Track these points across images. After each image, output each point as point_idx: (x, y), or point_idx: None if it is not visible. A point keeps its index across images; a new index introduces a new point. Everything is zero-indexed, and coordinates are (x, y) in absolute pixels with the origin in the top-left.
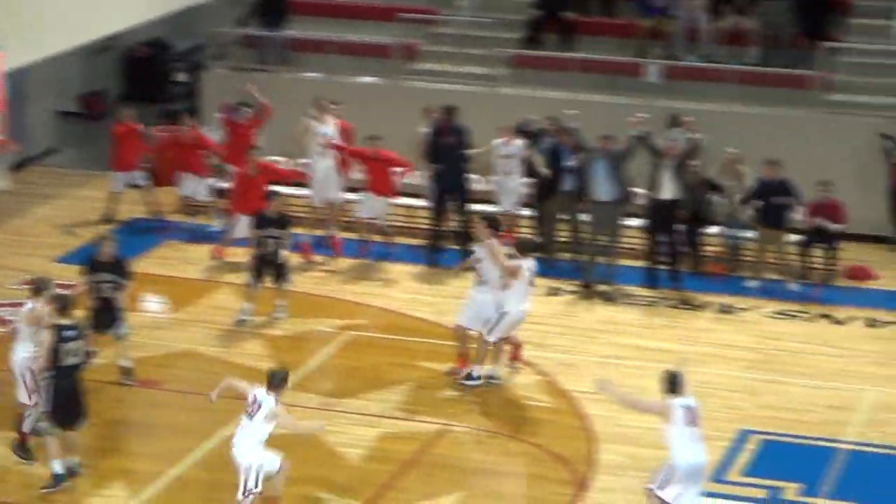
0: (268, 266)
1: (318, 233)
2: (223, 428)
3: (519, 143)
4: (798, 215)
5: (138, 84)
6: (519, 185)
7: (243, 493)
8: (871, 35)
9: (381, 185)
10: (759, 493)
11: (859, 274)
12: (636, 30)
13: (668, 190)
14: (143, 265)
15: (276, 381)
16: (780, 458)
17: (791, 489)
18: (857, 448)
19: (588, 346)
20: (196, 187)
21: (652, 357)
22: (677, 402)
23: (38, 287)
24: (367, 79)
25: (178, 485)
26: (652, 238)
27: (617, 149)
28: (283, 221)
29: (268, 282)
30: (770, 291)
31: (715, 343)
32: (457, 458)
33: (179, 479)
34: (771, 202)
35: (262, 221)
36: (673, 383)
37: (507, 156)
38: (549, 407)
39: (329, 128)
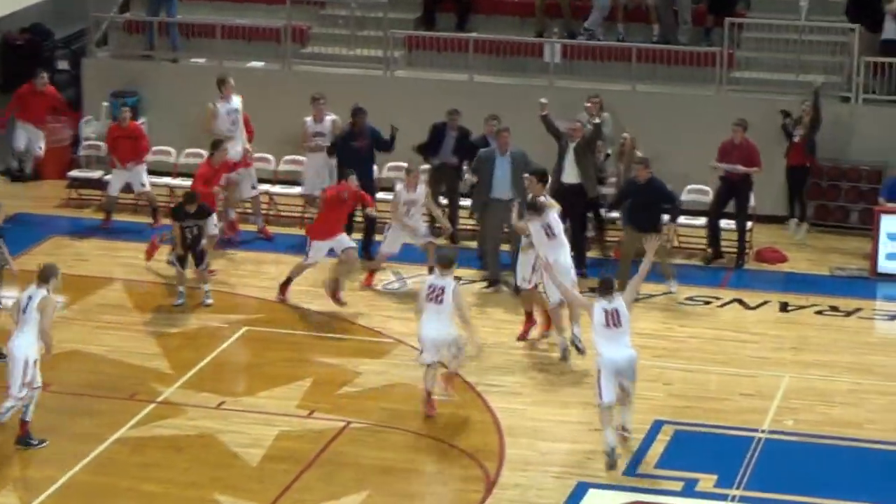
0: (190, 252)
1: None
2: (115, 431)
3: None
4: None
5: (16, 72)
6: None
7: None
8: (777, 10)
9: None
10: (675, 486)
11: (770, 256)
12: (535, 8)
13: (571, 174)
14: (27, 261)
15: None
16: (696, 448)
17: (707, 480)
18: (775, 437)
19: (495, 338)
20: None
21: (554, 349)
22: (600, 303)
23: (46, 274)
24: (257, 64)
25: (69, 491)
26: None
27: (518, 151)
28: (202, 212)
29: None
30: (680, 277)
31: None
32: (359, 455)
33: (71, 485)
34: (638, 203)
35: (181, 215)
36: (602, 286)
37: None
38: (455, 401)
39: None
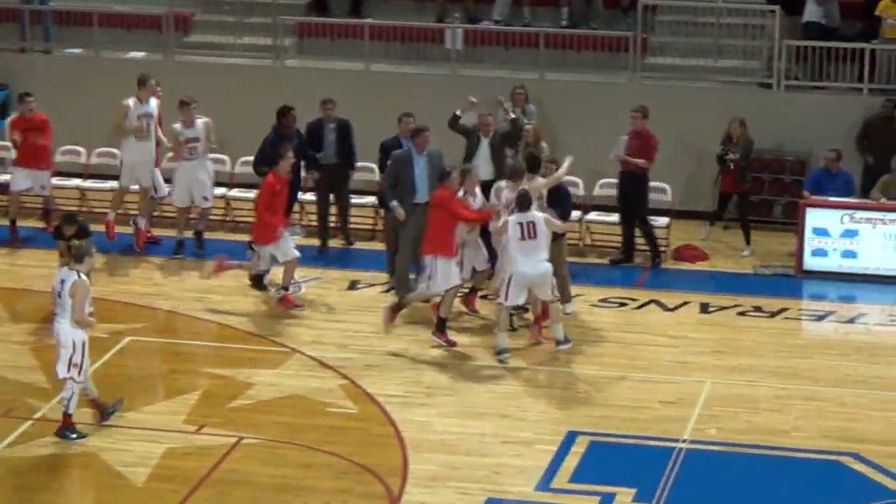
0: None
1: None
2: None
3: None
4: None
5: None
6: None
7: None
8: None
9: None
10: (591, 501)
11: (689, 254)
12: None
13: (486, 171)
14: None
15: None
16: (612, 460)
17: (625, 495)
18: (696, 447)
19: (394, 344)
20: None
21: (462, 355)
22: (514, 217)
23: (79, 254)
24: (137, 54)
25: None
26: None
27: (433, 150)
28: (81, 235)
29: None
30: (592, 277)
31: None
32: (253, 473)
33: None
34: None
35: (60, 236)
36: (519, 200)
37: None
38: (354, 414)
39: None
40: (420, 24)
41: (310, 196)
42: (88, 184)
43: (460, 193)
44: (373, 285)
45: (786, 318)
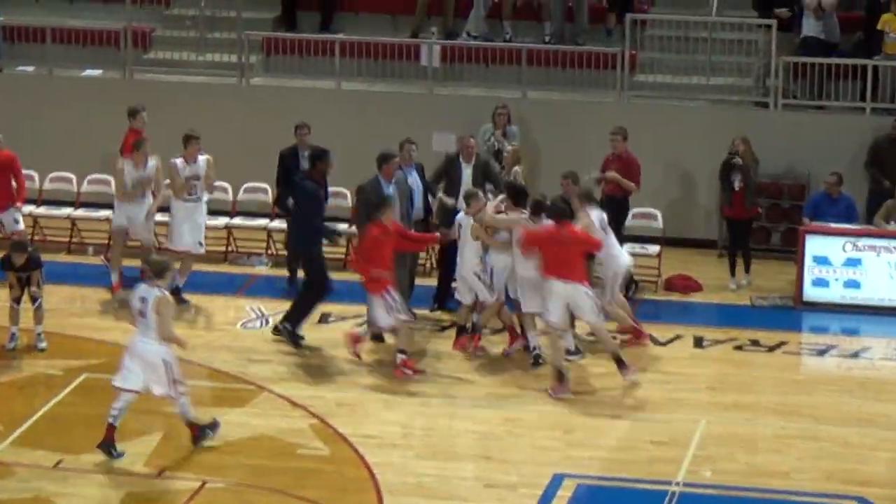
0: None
1: None
2: None
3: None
4: None
5: None
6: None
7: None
8: (683, 5)
9: None
10: None
11: (681, 285)
12: (416, 5)
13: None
14: None
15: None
16: None
17: None
18: (691, 490)
19: (367, 381)
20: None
21: (441, 392)
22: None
23: (159, 270)
24: (93, 72)
25: None
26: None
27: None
28: (32, 266)
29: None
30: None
31: (519, 372)
32: None
33: None
34: None
35: (8, 265)
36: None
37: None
38: (326, 455)
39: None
40: (394, 39)
41: (278, 224)
42: (42, 210)
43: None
44: (344, 318)
45: (785, 352)
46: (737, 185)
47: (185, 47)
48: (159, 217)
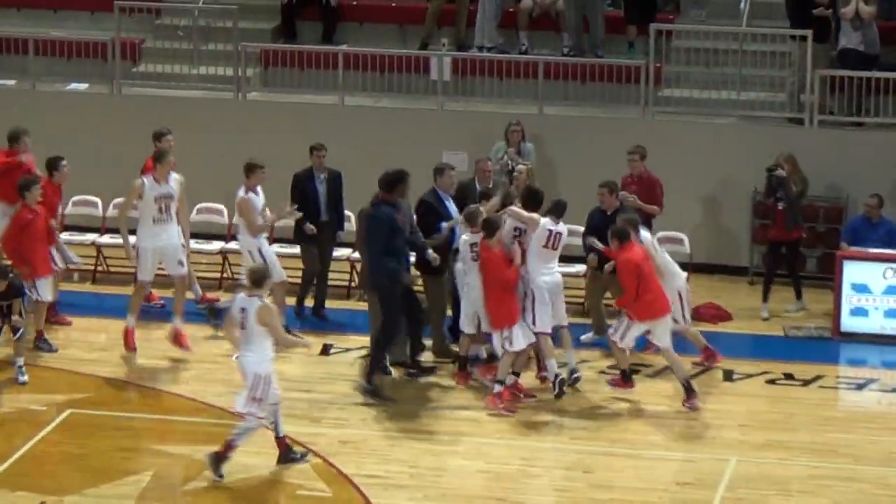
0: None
1: None
2: None
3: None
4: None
5: None
6: None
7: None
8: (713, 15)
9: None
10: None
11: (709, 314)
12: (425, 14)
13: None
14: None
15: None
16: None
17: None
18: None
19: (375, 415)
20: None
21: (451, 429)
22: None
23: (258, 279)
24: (79, 86)
25: None
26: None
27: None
28: (12, 293)
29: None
30: (598, 341)
31: (532, 406)
32: None
33: None
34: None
35: None
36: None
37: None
38: (328, 497)
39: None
40: (402, 51)
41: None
42: None
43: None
44: (348, 350)
45: (821, 386)
46: (780, 203)
47: (178, 60)
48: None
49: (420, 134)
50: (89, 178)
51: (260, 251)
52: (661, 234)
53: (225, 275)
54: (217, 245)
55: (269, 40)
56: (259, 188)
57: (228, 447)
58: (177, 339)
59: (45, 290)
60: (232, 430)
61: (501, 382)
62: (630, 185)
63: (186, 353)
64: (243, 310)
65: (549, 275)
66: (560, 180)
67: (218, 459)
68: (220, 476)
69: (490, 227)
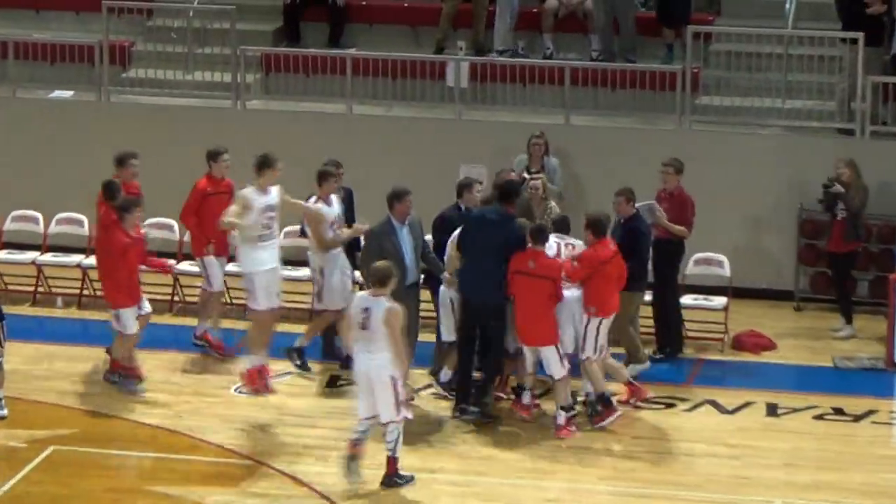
0: None
1: None
2: None
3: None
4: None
5: None
6: None
7: None
8: (754, 15)
9: None
10: None
11: (752, 343)
12: (440, 16)
13: None
14: None
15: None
16: None
17: None
18: None
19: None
20: None
21: (471, 470)
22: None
23: (383, 278)
24: (63, 93)
25: None
26: None
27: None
28: None
29: None
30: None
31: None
32: None
33: None
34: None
35: None
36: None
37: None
38: None
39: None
40: (415, 55)
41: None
42: (1, 255)
43: None
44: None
45: (874, 422)
46: (839, 214)
47: (171, 65)
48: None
49: (435, 146)
50: (73, 194)
51: (322, 271)
52: (698, 255)
53: (223, 300)
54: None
55: (270, 44)
56: (333, 197)
57: (392, 464)
58: (257, 378)
59: (130, 322)
60: (387, 444)
61: (566, 409)
62: (663, 200)
63: (182, 386)
64: (366, 310)
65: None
66: (588, 198)
67: (391, 480)
68: (408, 479)
69: (541, 235)
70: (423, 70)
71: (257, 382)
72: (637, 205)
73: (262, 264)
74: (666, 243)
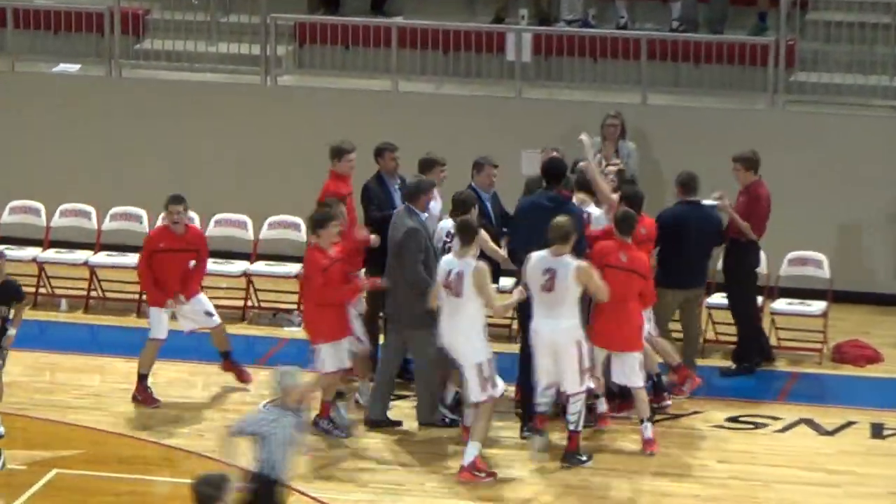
0: None
1: None
2: None
3: None
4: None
5: None
6: None
7: None
8: None
9: None
10: None
11: (855, 354)
12: None
13: None
14: None
15: None
16: None
17: None
18: None
19: (428, 473)
20: None
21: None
22: None
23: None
24: (69, 67)
25: None
26: None
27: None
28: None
29: None
30: (715, 386)
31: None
32: None
33: None
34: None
35: None
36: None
37: None
38: None
39: None
40: (470, 25)
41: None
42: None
43: None
44: (403, 397)
45: None
46: None
47: (191, 35)
48: None
49: (492, 128)
50: (80, 182)
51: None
52: (792, 253)
53: (249, 302)
54: (240, 266)
55: (304, 12)
56: (436, 191)
57: (574, 440)
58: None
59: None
60: (569, 417)
61: (651, 420)
62: (739, 195)
63: (204, 402)
64: (549, 270)
65: None
66: (666, 186)
67: (573, 458)
68: (586, 459)
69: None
70: (479, 42)
71: None
72: (704, 201)
73: None
74: (738, 243)
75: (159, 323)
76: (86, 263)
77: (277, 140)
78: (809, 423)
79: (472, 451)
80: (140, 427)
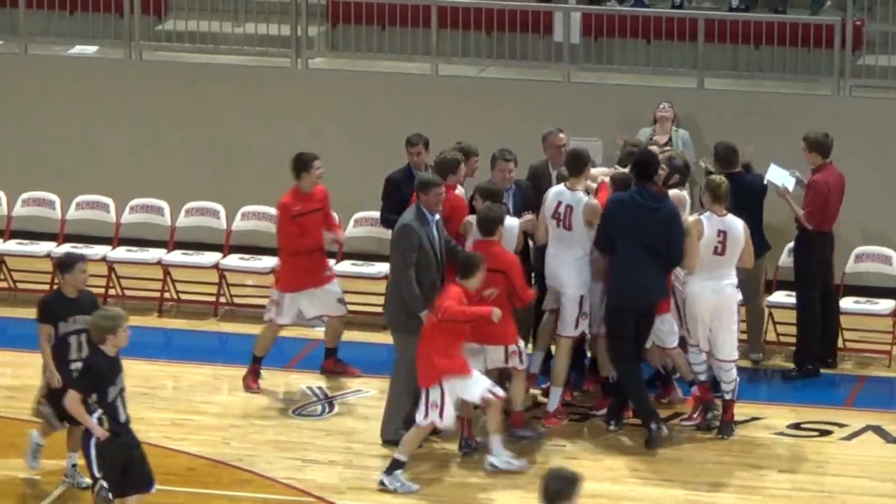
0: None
1: None
2: None
3: None
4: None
5: None
6: None
7: None
8: None
9: None
10: None
11: None
12: None
13: None
14: None
15: None
16: None
17: None
18: None
19: (472, 480)
20: None
21: None
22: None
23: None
24: (85, 49)
25: None
26: None
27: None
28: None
29: None
30: (776, 390)
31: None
32: None
33: None
34: None
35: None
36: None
37: None
38: None
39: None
40: (515, 3)
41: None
42: (12, 245)
43: None
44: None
45: None
46: None
47: (216, 15)
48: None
49: (538, 114)
50: (97, 173)
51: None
52: (860, 249)
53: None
54: (267, 262)
55: None
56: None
57: (730, 410)
58: None
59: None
60: (724, 386)
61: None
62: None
63: (227, 407)
64: (723, 233)
65: None
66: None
67: (729, 428)
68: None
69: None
70: (525, 22)
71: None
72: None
73: None
74: (803, 233)
75: (290, 309)
76: (104, 259)
77: (308, 127)
78: (877, 430)
79: (555, 396)
80: (159, 435)
